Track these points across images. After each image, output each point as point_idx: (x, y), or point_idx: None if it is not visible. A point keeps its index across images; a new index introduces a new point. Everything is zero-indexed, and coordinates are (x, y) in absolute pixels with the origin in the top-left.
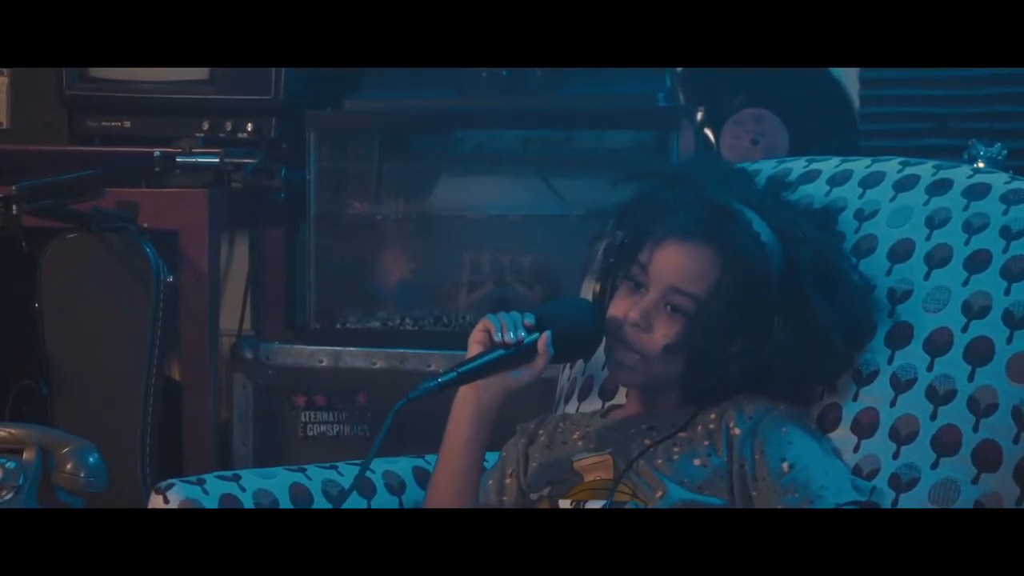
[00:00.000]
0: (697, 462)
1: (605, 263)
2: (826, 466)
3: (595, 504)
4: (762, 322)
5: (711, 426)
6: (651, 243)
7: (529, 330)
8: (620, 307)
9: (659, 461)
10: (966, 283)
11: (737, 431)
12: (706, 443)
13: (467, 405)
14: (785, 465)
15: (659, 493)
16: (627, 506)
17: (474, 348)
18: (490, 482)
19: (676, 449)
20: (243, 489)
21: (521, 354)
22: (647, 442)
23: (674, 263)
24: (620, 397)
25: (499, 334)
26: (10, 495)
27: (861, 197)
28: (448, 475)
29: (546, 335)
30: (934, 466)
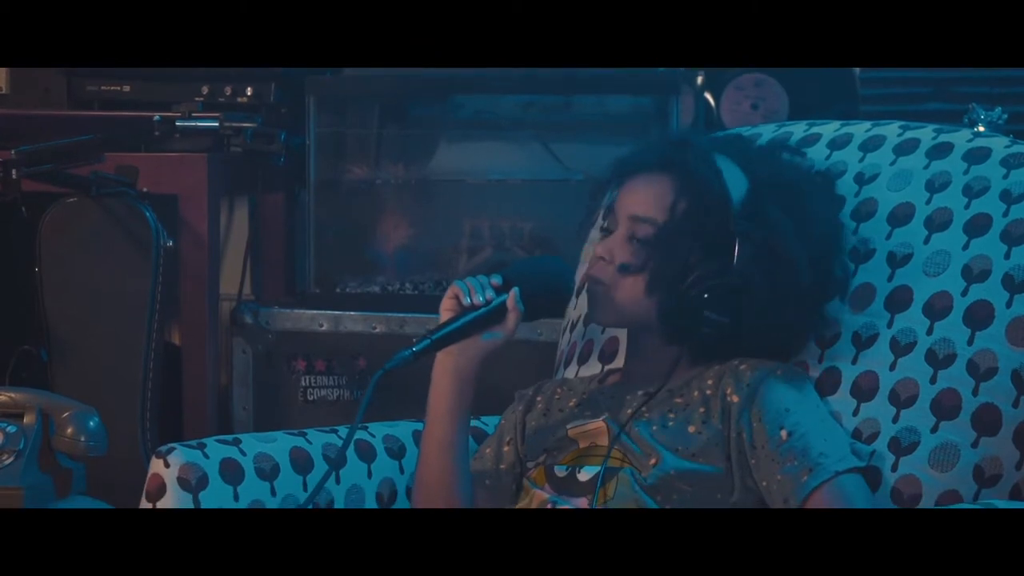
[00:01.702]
0: (692, 429)
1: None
2: (825, 432)
3: (589, 470)
4: (723, 246)
5: (708, 392)
6: (617, 189)
7: (497, 290)
8: (592, 253)
9: (654, 427)
10: (966, 247)
11: (735, 398)
12: (702, 410)
13: (445, 373)
14: (784, 433)
15: (652, 460)
16: (621, 472)
17: (445, 316)
18: (487, 449)
19: (672, 415)
20: (243, 453)
21: (492, 314)
22: (643, 409)
23: (633, 196)
24: (619, 361)
25: (467, 298)
26: (11, 459)
27: (861, 161)
28: (435, 442)
29: (514, 292)
30: (934, 430)
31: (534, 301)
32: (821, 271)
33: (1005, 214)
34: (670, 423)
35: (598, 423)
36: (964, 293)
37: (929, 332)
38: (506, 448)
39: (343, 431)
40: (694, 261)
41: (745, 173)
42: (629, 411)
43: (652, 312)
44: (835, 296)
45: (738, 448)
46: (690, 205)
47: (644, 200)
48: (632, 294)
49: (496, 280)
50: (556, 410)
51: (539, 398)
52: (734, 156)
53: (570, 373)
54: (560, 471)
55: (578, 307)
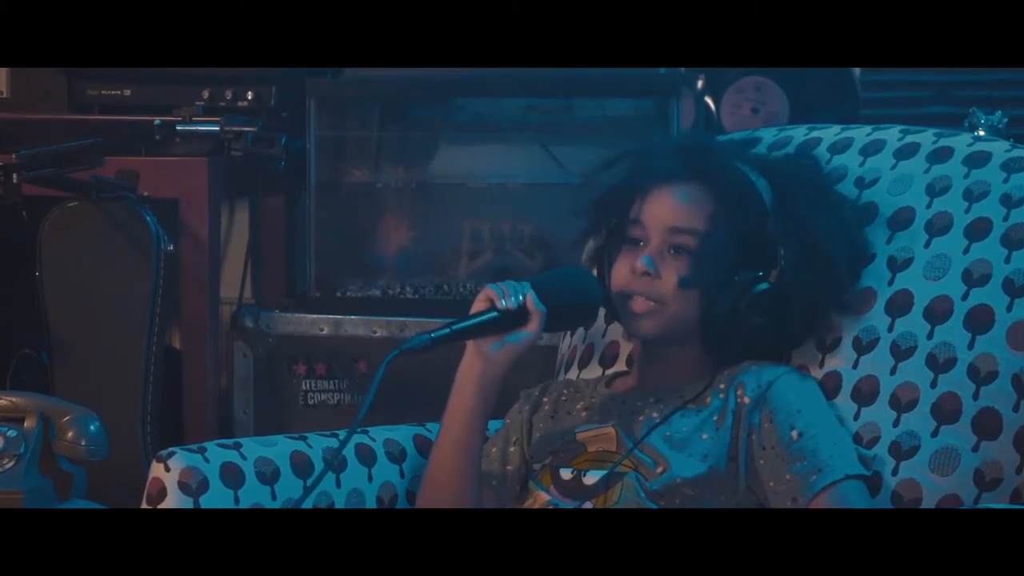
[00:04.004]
0: (704, 436)
1: (599, 236)
2: (834, 436)
3: (595, 473)
4: (766, 247)
5: (720, 396)
6: (639, 198)
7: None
8: (624, 265)
9: (667, 434)
10: (966, 251)
11: (746, 400)
12: (716, 418)
13: (472, 373)
14: (795, 433)
15: (660, 468)
16: (627, 478)
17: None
18: (493, 449)
19: (685, 422)
20: (244, 457)
21: (514, 316)
22: (655, 415)
23: (667, 207)
24: (620, 364)
25: (503, 301)
26: (12, 463)
27: (862, 165)
28: (450, 443)
29: (530, 294)
30: (934, 434)
31: (560, 312)
32: (856, 258)
33: (1005, 218)
34: (684, 430)
35: (608, 429)
36: (964, 297)
37: (929, 336)
38: (512, 449)
39: (344, 435)
40: (737, 267)
41: (764, 176)
42: (641, 418)
43: (695, 322)
44: (861, 278)
45: (746, 449)
46: (729, 211)
47: (681, 210)
48: (686, 307)
49: (526, 291)
50: (564, 413)
51: (545, 399)
52: (750, 160)
53: (571, 376)
54: (566, 473)
55: None
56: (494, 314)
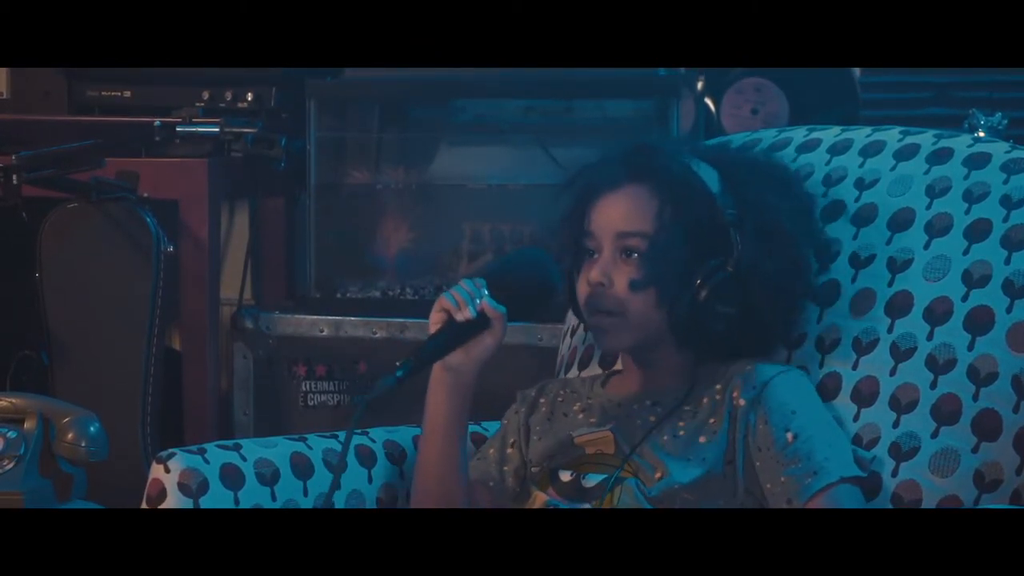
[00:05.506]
0: (702, 439)
1: (566, 256)
2: (830, 437)
3: (593, 477)
4: (717, 239)
5: (716, 397)
6: (589, 210)
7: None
8: (583, 279)
9: (664, 438)
10: (966, 252)
11: (741, 402)
12: (712, 420)
13: (442, 387)
14: (789, 435)
15: (659, 474)
16: (626, 482)
17: (433, 329)
18: (491, 451)
19: (681, 424)
20: (244, 459)
21: (474, 323)
22: (652, 418)
23: (613, 212)
24: (620, 363)
25: (459, 313)
26: (12, 464)
27: (862, 166)
28: (433, 453)
29: (485, 299)
30: (934, 435)
31: (520, 304)
32: (816, 240)
33: (1005, 219)
34: (680, 433)
35: (605, 432)
36: (964, 298)
37: (929, 337)
38: (510, 450)
39: (344, 436)
40: (694, 261)
41: (712, 165)
42: (639, 422)
43: (662, 323)
44: (829, 265)
45: (743, 450)
46: (675, 207)
47: (627, 214)
48: (644, 310)
49: (482, 294)
50: (560, 414)
51: (542, 399)
52: (699, 153)
53: (568, 375)
54: (565, 475)
55: None
56: (449, 334)
